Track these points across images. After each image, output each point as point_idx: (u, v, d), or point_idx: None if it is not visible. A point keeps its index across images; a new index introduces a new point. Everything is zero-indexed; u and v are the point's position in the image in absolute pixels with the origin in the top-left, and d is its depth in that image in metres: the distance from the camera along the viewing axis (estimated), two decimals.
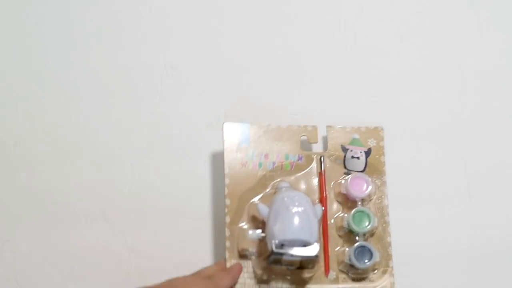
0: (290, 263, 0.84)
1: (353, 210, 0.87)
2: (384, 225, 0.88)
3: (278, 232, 0.82)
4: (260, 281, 0.86)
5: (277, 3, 1.00)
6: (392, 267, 0.87)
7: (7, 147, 0.95)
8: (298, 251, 0.82)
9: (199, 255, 0.91)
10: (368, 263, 0.85)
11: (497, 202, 0.90)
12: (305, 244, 0.82)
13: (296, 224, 0.82)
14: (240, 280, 0.87)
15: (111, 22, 1.01)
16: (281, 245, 0.82)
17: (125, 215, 0.92)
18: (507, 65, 0.96)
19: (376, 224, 0.86)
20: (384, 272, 0.87)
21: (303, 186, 0.90)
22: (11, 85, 0.98)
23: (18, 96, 0.98)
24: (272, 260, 0.83)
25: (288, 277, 0.87)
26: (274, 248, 0.82)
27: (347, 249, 0.87)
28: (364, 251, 0.86)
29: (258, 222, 0.86)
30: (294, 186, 0.89)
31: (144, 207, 0.93)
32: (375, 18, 0.99)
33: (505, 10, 0.97)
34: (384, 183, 0.89)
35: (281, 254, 0.82)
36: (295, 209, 0.83)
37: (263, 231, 0.84)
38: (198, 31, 0.99)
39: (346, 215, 0.88)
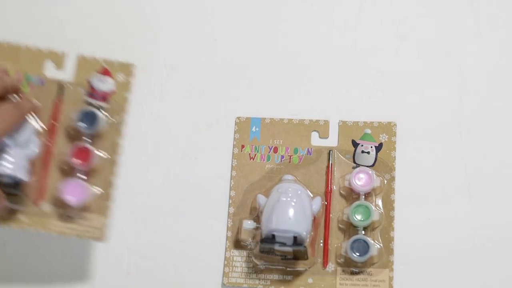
0: (283, 254, 0.84)
1: (354, 204, 0.87)
2: (388, 219, 0.88)
3: (268, 222, 0.83)
4: (257, 271, 0.87)
5: (278, 2, 1.00)
6: (392, 261, 0.87)
7: None
8: (285, 241, 0.82)
9: (199, 255, 0.91)
10: (363, 257, 0.85)
11: (498, 202, 0.90)
12: (294, 235, 0.82)
13: (285, 215, 0.83)
14: (238, 269, 0.87)
15: (111, 21, 1.01)
16: (272, 235, 0.82)
17: (125, 215, 0.92)
18: (507, 65, 0.95)
19: (376, 218, 0.86)
20: (384, 266, 0.87)
21: (310, 179, 0.90)
22: None
23: None
24: (263, 249, 0.84)
25: (285, 268, 0.87)
26: (262, 237, 0.83)
27: (344, 242, 0.87)
28: (361, 245, 0.86)
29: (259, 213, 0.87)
30: (300, 180, 0.89)
31: (144, 207, 0.93)
32: (375, 18, 0.99)
33: (505, 10, 0.97)
34: (393, 178, 0.89)
35: (268, 242, 0.83)
36: (286, 200, 0.83)
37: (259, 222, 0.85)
38: (198, 31, 1.00)
39: (346, 208, 0.88)
